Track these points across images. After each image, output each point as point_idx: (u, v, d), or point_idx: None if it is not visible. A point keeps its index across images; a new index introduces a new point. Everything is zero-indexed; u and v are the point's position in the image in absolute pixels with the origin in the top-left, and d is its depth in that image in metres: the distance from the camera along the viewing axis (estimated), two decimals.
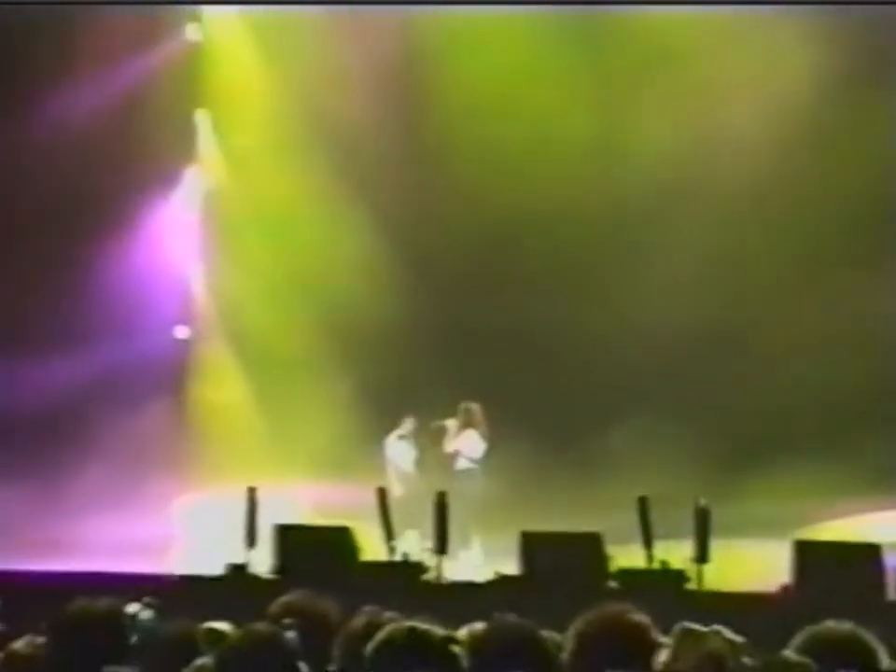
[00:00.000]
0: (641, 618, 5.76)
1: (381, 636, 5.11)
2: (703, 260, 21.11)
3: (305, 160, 21.52)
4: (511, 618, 5.86)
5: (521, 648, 5.62)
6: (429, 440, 20.28)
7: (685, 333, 20.57)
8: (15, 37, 21.09)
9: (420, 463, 20.48)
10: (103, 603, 6.54)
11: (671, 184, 21.27)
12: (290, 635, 6.32)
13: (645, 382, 20.75)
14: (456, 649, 5.40)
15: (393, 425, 20.29)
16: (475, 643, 5.60)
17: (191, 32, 23.05)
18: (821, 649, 5.52)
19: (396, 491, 19.33)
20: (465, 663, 5.31)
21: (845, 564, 15.54)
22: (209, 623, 7.20)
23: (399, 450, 20.62)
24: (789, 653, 5.55)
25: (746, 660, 5.63)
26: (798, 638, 5.63)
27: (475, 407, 19.67)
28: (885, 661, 5.62)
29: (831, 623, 5.64)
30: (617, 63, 22.01)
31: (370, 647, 5.13)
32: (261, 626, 5.64)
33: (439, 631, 5.29)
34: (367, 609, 6.61)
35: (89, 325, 20.43)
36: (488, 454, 19.63)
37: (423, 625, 5.14)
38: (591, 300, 21.37)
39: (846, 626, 5.64)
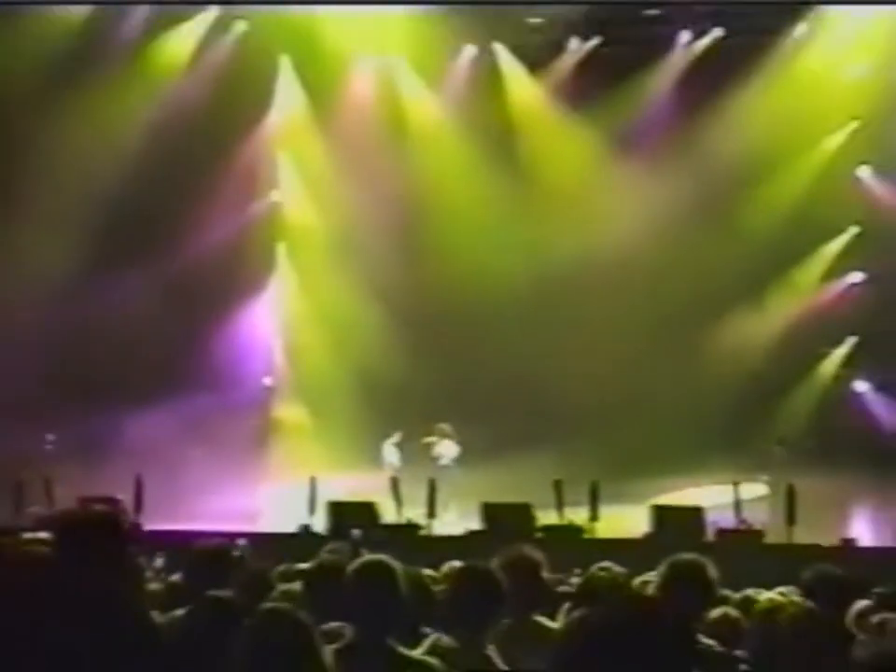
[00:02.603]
0: (537, 555, 6.57)
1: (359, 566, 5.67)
2: (610, 319, 21.78)
3: (343, 272, 23.12)
4: (475, 561, 6.25)
5: (480, 580, 5.94)
6: (420, 448, 21.25)
7: (597, 373, 21.17)
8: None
9: (406, 461, 21.29)
10: (213, 544, 7.09)
11: (582, 268, 21.57)
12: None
13: (565, 409, 21.40)
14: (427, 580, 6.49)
15: (414, 440, 21.42)
16: (453, 575, 6.28)
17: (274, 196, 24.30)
18: (678, 570, 6.24)
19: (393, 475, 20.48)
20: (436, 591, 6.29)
21: (681, 519, 17.20)
22: (284, 564, 8.03)
23: (392, 452, 21.74)
24: (653, 575, 6.49)
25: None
26: (662, 566, 6.32)
27: (447, 426, 21.11)
28: (712, 572, 6.32)
29: (682, 556, 6.34)
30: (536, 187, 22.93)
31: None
32: (281, 606, 5.45)
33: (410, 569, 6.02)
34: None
35: (202, 375, 21.40)
36: (461, 455, 21.12)
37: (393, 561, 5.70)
38: (528, 348, 22.45)
39: (691, 556, 6.35)
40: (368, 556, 5.96)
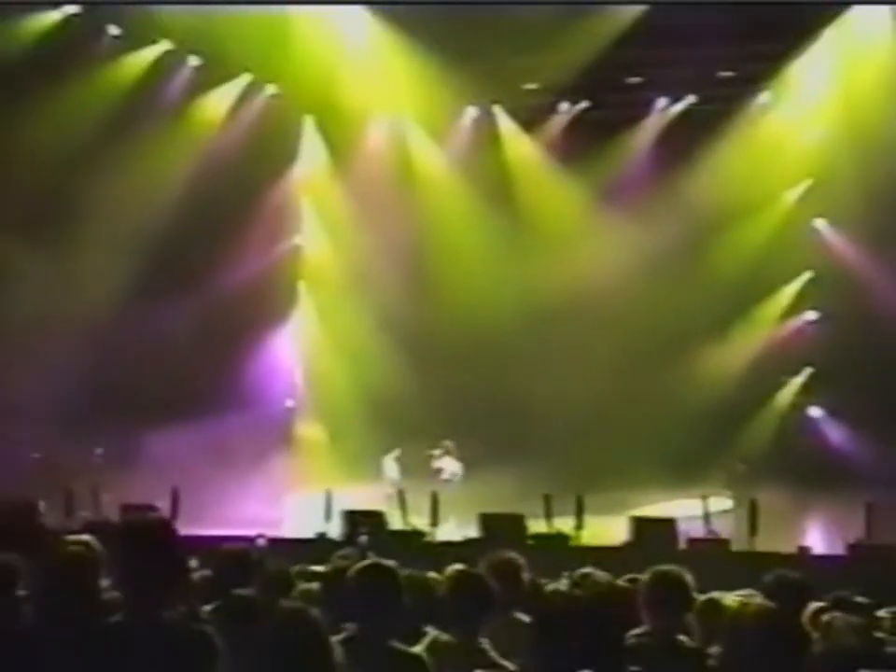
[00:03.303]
0: (519, 559, 6.51)
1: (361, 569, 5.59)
2: (594, 349, 21.73)
3: (357, 306, 23.30)
4: (471, 565, 6.20)
5: (478, 580, 5.95)
6: (424, 460, 21.13)
7: (582, 398, 21.11)
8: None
9: (409, 474, 20.85)
10: (237, 547, 7.01)
11: (569, 303, 21.62)
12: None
13: (554, 429, 21.35)
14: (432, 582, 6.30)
15: (420, 456, 21.22)
16: (454, 577, 6.04)
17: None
18: (661, 580, 6.21)
19: (388, 491, 20.26)
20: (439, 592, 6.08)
21: (656, 529, 16.72)
22: (301, 564, 7.89)
23: (392, 467, 21.56)
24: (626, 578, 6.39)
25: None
26: (647, 574, 6.29)
27: (450, 443, 21.04)
28: (689, 578, 6.30)
29: (663, 567, 6.30)
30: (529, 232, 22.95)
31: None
32: (292, 604, 5.45)
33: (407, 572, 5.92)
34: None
35: (231, 396, 21.28)
36: (461, 470, 21.05)
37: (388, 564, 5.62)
38: (521, 374, 22.55)
39: (672, 567, 6.31)
40: (369, 560, 5.91)
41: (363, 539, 15.04)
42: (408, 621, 5.66)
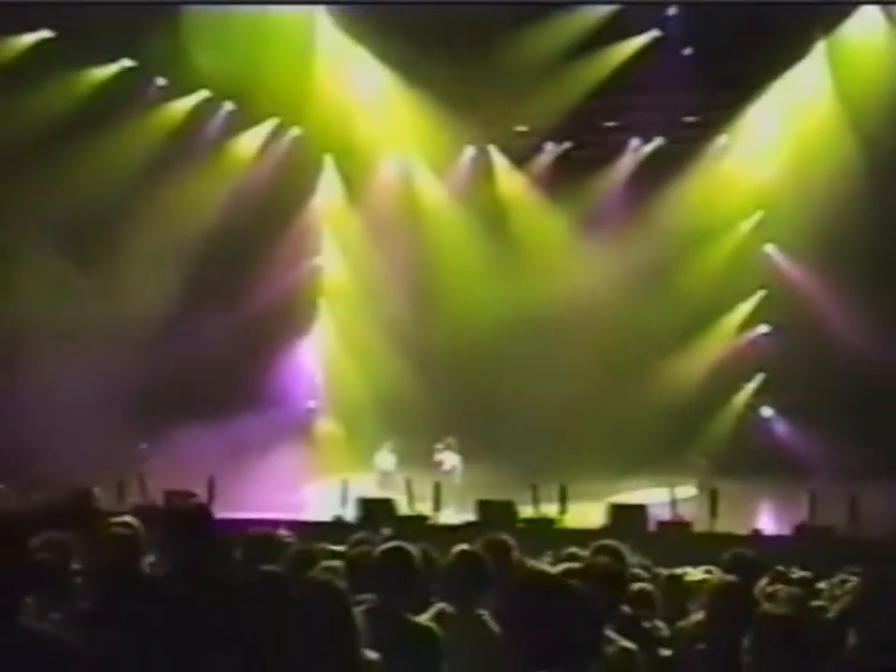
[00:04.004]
0: (510, 540, 6.26)
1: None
2: (575, 357, 21.56)
3: (370, 319, 23.30)
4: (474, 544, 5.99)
5: (478, 559, 5.77)
6: (427, 457, 20.70)
7: (566, 399, 21.09)
8: None
9: (411, 466, 20.33)
10: (263, 530, 6.90)
11: (554, 315, 21.56)
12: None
13: (541, 426, 21.01)
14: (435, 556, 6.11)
15: (424, 450, 20.82)
16: (457, 556, 5.85)
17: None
18: (603, 552, 6.13)
19: (378, 480, 20.45)
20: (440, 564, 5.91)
21: (630, 514, 16.80)
22: (322, 544, 7.60)
23: (386, 459, 21.25)
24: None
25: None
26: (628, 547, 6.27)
27: (452, 439, 20.76)
28: (630, 558, 6.28)
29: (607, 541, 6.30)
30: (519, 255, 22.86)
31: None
32: (318, 575, 5.46)
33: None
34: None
35: (261, 397, 21.23)
36: (460, 463, 20.78)
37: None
38: (514, 379, 22.27)
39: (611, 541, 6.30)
40: (391, 543, 5.85)
41: (386, 531, 14.96)
42: (420, 594, 5.65)
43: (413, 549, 5.61)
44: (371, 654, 4.74)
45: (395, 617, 5.31)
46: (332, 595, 4.73)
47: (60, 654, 3.92)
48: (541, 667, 3.68)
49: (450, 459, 20.93)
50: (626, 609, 5.92)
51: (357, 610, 4.81)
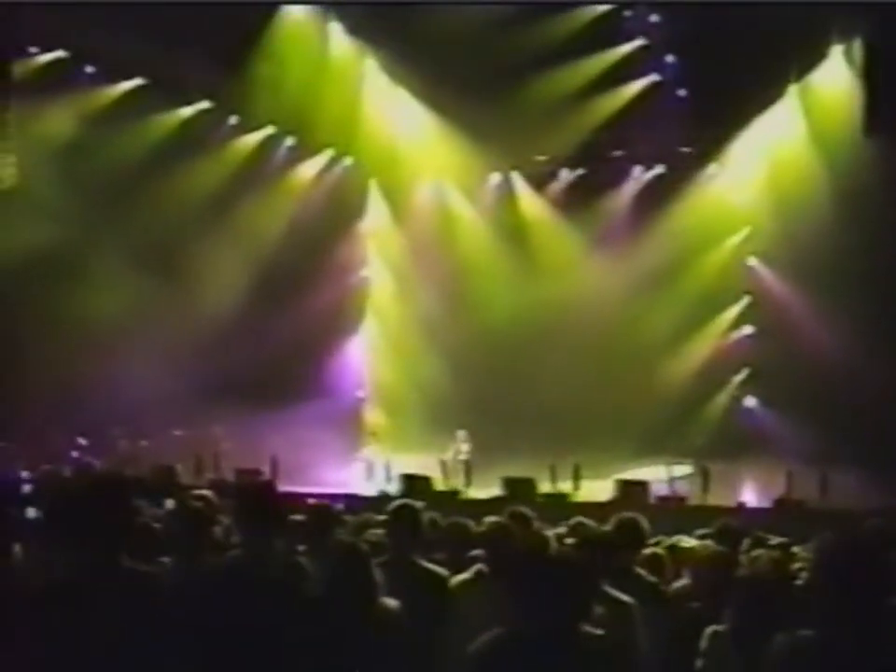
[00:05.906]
0: (530, 513, 6.29)
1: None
2: (587, 354, 21.03)
3: (410, 322, 22.96)
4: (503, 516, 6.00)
5: (506, 528, 5.73)
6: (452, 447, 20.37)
7: (579, 390, 20.58)
8: None
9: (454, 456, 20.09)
10: (318, 503, 6.80)
11: (570, 318, 21.20)
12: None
13: (558, 414, 20.55)
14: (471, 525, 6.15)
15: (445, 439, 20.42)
16: (490, 525, 5.85)
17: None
18: (625, 524, 6.09)
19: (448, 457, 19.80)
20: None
21: (634, 489, 16.89)
22: (369, 513, 7.77)
23: (459, 448, 20.35)
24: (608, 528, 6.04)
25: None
26: (613, 519, 6.16)
27: (463, 432, 20.50)
28: (645, 526, 6.12)
29: (629, 514, 6.25)
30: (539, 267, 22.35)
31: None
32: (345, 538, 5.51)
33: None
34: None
35: (317, 388, 21.18)
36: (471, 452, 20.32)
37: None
38: (535, 373, 21.55)
39: (632, 514, 6.23)
40: (399, 501, 5.92)
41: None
42: (430, 549, 5.72)
43: (419, 505, 5.69)
44: (390, 601, 4.77)
45: (407, 563, 5.36)
46: (354, 552, 4.77)
47: (156, 591, 4.13)
48: (535, 618, 3.73)
49: (466, 449, 20.73)
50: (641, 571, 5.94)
51: (375, 563, 4.83)
